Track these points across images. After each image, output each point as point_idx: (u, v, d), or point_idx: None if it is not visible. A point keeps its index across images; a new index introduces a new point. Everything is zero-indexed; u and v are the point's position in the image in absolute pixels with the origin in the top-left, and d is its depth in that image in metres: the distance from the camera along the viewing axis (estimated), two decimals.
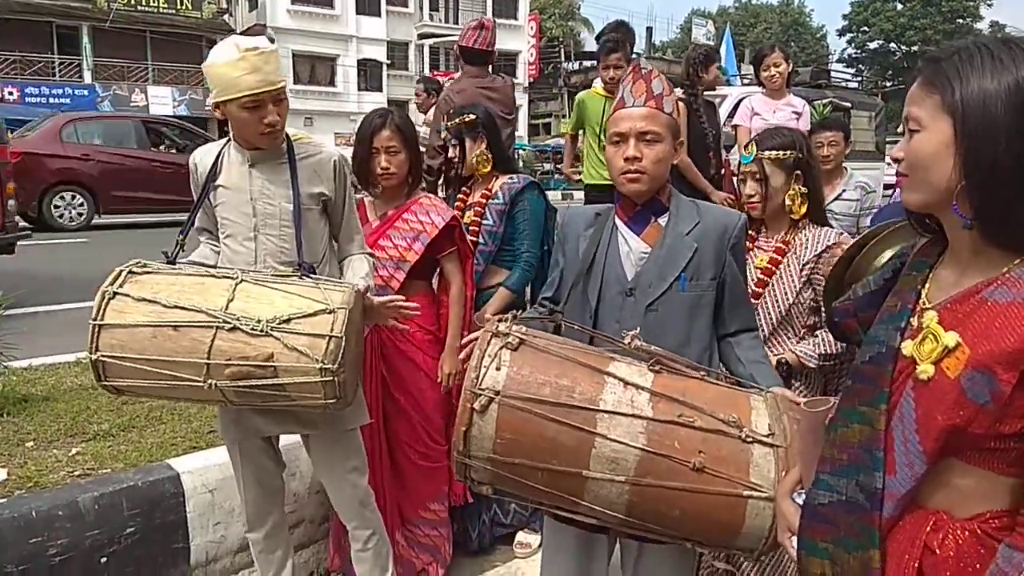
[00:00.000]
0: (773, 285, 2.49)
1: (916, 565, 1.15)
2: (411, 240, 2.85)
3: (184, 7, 30.20)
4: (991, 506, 1.14)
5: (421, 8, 37.54)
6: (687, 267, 1.92)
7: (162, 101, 28.84)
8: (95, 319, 1.98)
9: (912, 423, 1.15)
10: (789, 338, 2.51)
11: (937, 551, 1.14)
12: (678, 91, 6.21)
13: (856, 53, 59.55)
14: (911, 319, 1.23)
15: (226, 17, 32.41)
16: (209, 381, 1.99)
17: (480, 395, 1.57)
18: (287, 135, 2.35)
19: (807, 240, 2.50)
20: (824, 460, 1.31)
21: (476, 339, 1.73)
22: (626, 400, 1.58)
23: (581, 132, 5.08)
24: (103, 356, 1.99)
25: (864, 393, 1.25)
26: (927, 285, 1.25)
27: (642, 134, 1.89)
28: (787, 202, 2.50)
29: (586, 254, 1.99)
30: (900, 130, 1.23)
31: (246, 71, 2.13)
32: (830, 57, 57.15)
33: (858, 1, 57.32)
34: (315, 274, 2.28)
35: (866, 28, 56.94)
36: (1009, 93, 1.08)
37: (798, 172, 2.50)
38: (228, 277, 2.10)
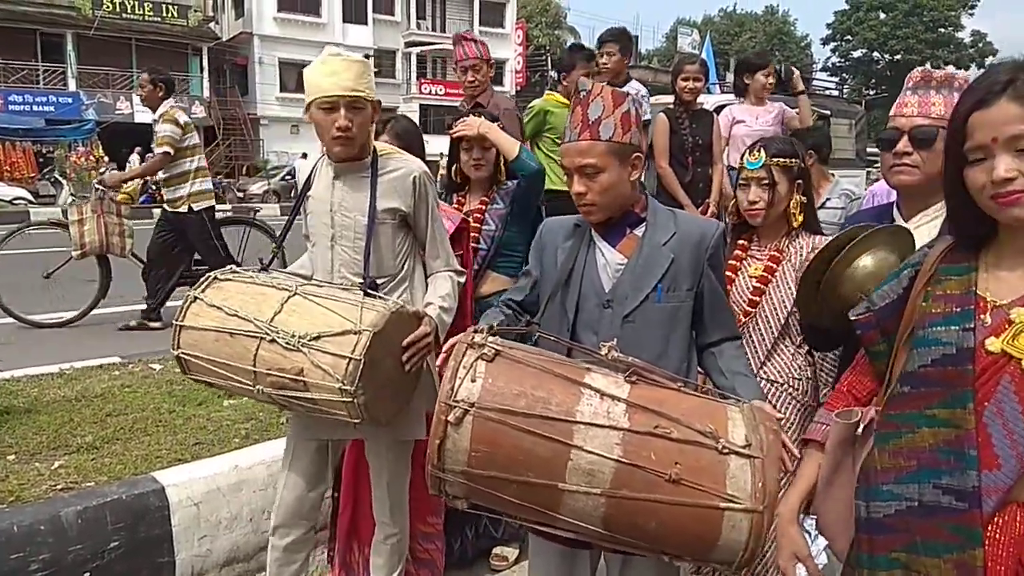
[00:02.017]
0: (769, 294, 2.46)
1: (1017, 559, 1.21)
2: None
3: (170, 15, 30.14)
4: None
5: (408, 16, 37.57)
6: (663, 278, 1.91)
7: (147, 109, 28.64)
8: (177, 320, 2.19)
9: (1018, 415, 1.20)
10: (787, 347, 2.47)
11: None
12: (665, 98, 6.26)
13: (840, 62, 60.03)
14: (979, 317, 1.28)
15: (212, 25, 32.36)
16: (257, 386, 2.11)
17: (454, 407, 1.55)
18: (374, 148, 2.41)
19: (802, 248, 2.49)
20: (881, 471, 1.34)
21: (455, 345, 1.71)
22: (602, 411, 1.56)
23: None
24: (183, 353, 2.20)
25: (932, 396, 1.29)
26: (980, 286, 1.31)
27: (582, 168, 1.88)
28: (791, 210, 2.49)
29: (564, 266, 1.99)
30: (977, 155, 1.27)
31: (325, 75, 2.23)
32: (814, 66, 57.66)
33: (842, 10, 57.85)
34: (378, 289, 2.32)
35: (849, 37, 57.43)
36: None
37: (799, 181, 2.50)
38: (286, 289, 2.19)
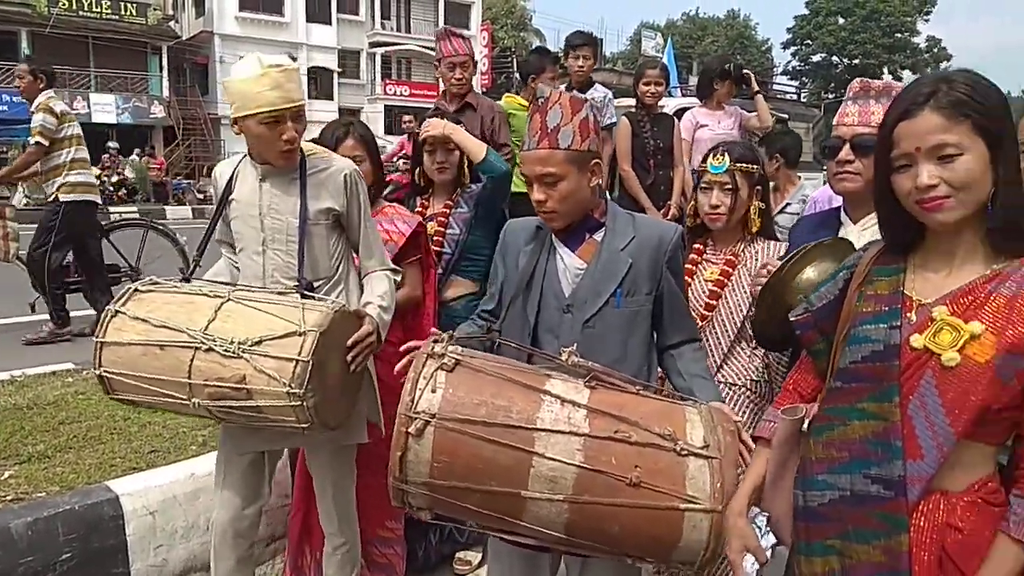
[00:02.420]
0: (725, 298, 2.49)
1: (940, 545, 1.29)
2: None
3: (128, 13, 29.55)
4: (978, 476, 1.31)
5: (373, 16, 37.34)
6: (623, 282, 1.93)
7: (105, 109, 28.13)
8: (98, 336, 2.08)
9: (938, 408, 1.28)
10: (744, 349, 2.50)
11: (960, 527, 1.29)
12: (626, 101, 6.31)
13: (800, 66, 60.98)
14: (906, 315, 1.36)
15: (172, 24, 31.82)
16: (193, 400, 2.03)
17: (415, 419, 1.55)
18: (301, 150, 2.35)
19: (757, 253, 2.52)
20: (816, 462, 1.42)
21: (416, 351, 1.71)
22: (563, 417, 1.57)
23: None
24: (105, 372, 2.08)
25: (863, 391, 1.37)
26: (908, 286, 1.39)
27: (541, 177, 1.88)
28: (751, 215, 2.51)
29: (524, 270, 2.00)
30: (903, 163, 1.35)
31: (267, 87, 2.13)
32: (775, 69, 58.52)
33: (801, 15, 58.78)
34: (314, 291, 2.27)
35: (809, 41, 58.36)
36: (1003, 106, 1.28)
37: (759, 187, 2.53)
38: (217, 296, 2.12)
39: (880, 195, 1.42)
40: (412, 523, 3.06)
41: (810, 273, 1.93)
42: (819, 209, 3.00)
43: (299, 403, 1.96)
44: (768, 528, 1.60)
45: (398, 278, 2.57)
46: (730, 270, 2.50)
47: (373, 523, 2.92)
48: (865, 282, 1.46)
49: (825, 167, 2.26)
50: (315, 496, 2.55)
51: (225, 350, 1.97)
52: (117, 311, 2.10)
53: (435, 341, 1.71)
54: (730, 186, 2.47)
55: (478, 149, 3.06)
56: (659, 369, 2.09)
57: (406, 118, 9.45)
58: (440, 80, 4.30)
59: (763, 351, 2.48)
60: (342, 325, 2.13)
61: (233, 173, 2.36)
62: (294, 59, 2.29)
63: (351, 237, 2.45)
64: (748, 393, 2.45)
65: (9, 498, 2.74)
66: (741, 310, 2.47)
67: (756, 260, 2.50)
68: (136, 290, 2.16)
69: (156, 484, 2.79)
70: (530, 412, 1.57)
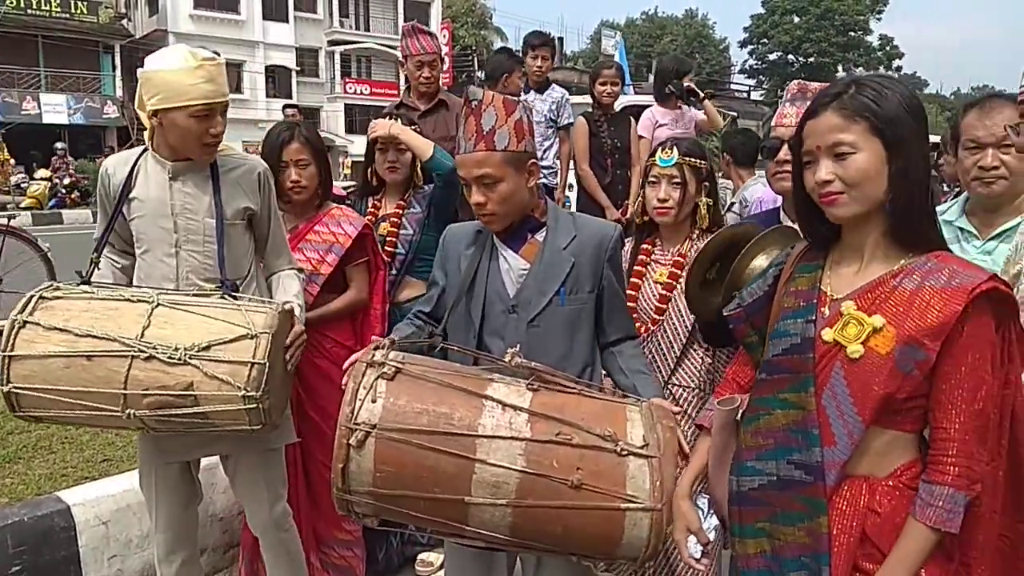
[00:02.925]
0: (676, 300, 2.46)
1: (859, 526, 1.37)
2: (324, 252, 2.81)
3: (79, 11, 28.88)
4: (900, 461, 1.39)
5: (331, 14, 36.99)
6: (566, 281, 1.96)
7: (56, 109, 27.47)
8: (4, 350, 1.91)
9: (847, 397, 1.36)
10: (697, 351, 2.48)
11: (879, 511, 1.36)
12: (582, 99, 6.34)
13: (757, 64, 61.87)
14: (820, 310, 1.43)
15: (124, 22, 31.17)
16: (128, 411, 1.94)
17: (356, 430, 1.54)
18: None
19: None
20: (746, 449, 1.51)
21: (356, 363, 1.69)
22: (504, 423, 1.58)
23: None
24: (15, 388, 1.93)
25: (783, 382, 1.45)
26: (825, 282, 1.46)
27: (479, 179, 1.88)
28: (701, 211, 2.50)
29: (467, 273, 2.01)
30: (807, 159, 1.42)
31: (202, 79, 2.09)
32: (732, 68, 59.30)
33: (758, 14, 59.63)
34: (238, 292, 2.24)
35: (765, 40, 59.22)
36: (908, 111, 1.34)
37: (707, 183, 2.54)
38: (144, 301, 2.03)
39: (797, 192, 1.49)
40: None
41: (761, 261, 1.97)
42: (764, 208, 3.06)
43: (255, 406, 1.95)
44: (711, 511, 1.70)
45: (303, 277, 2.57)
46: (678, 272, 2.48)
47: (331, 525, 2.91)
48: (790, 279, 1.54)
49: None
50: (247, 508, 2.49)
51: (169, 357, 1.92)
52: (26, 321, 1.95)
53: (376, 348, 1.70)
54: (678, 180, 2.45)
55: (425, 147, 3.06)
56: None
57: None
58: (406, 78, 4.20)
59: (704, 348, 2.49)
60: (283, 326, 2.12)
61: (133, 170, 2.24)
62: (217, 54, 2.20)
63: (259, 236, 2.41)
64: (703, 395, 2.43)
65: None
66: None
67: None
68: (42, 297, 2.01)
69: (109, 493, 2.75)
70: (471, 418, 1.58)
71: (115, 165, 2.28)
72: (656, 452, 1.56)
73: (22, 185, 18.19)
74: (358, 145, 34.83)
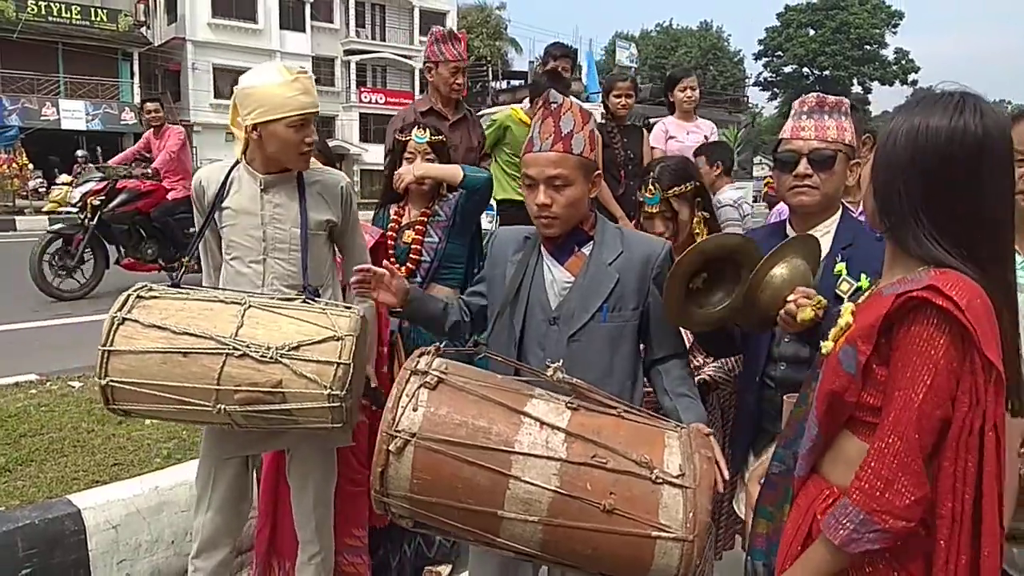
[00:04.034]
0: None
1: (807, 529, 1.38)
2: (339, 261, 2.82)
3: (99, 19, 29.21)
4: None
5: (347, 24, 37.27)
6: (609, 297, 1.94)
7: (75, 115, 27.77)
8: (104, 345, 2.00)
9: (815, 392, 1.40)
10: (695, 358, 2.53)
11: (820, 517, 1.35)
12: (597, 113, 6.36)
13: (771, 77, 61.81)
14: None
15: (144, 30, 31.51)
16: (219, 406, 2.02)
17: (396, 437, 1.57)
18: None
19: None
20: (780, 436, 1.59)
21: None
22: (541, 441, 1.59)
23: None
24: (112, 381, 2.02)
25: (811, 379, 1.50)
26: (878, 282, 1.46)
27: (551, 179, 1.88)
28: (695, 230, 2.54)
29: (512, 281, 2.01)
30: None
31: (298, 91, 2.24)
32: (747, 80, 59.25)
33: (773, 27, 59.61)
34: (319, 298, 2.33)
35: (780, 53, 59.21)
36: (906, 130, 1.31)
37: (698, 199, 2.56)
38: (236, 303, 2.12)
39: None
40: (389, 534, 3.05)
41: (781, 270, 1.96)
42: (783, 218, 3.05)
43: (338, 404, 2.04)
44: None
45: None
46: None
47: (341, 532, 2.91)
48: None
49: (768, 178, 2.28)
50: (286, 505, 2.53)
51: (261, 356, 2.00)
52: (125, 318, 2.04)
53: (421, 355, 1.73)
54: (668, 213, 2.50)
55: (455, 174, 3.05)
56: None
57: (149, 106, 8.59)
58: (427, 84, 4.10)
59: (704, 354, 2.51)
60: (364, 330, 2.21)
61: (227, 180, 2.36)
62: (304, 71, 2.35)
63: (341, 245, 2.53)
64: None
65: None
66: None
67: None
68: (139, 296, 2.10)
69: (119, 498, 2.75)
70: (509, 434, 1.59)
71: (208, 176, 2.40)
72: (692, 483, 1.56)
73: (39, 190, 18.37)
74: (372, 154, 35.04)
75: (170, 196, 8.31)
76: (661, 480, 1.56)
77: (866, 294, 1.47)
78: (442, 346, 1.81)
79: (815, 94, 2.08)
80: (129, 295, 2.10)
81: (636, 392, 2.02)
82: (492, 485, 1.56)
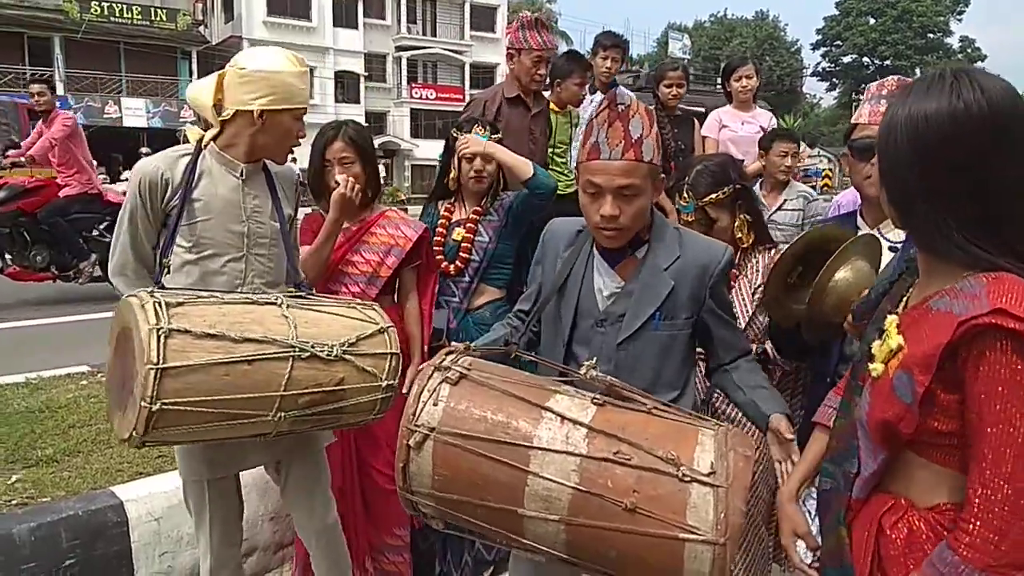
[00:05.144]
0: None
1: (873, 542, 1.26)
2: (383, 254, 2.76)
3: (159, 18, 30.03)
4: (948, 499, 1.20)
5: (399, 20, 37.55)
6: (662, 305, 1.82)
7: (136, 113, 28.60)
8: (157, 363, 1.67)
9: (865, 416, 1.27)
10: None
11: (887, 531, 1.24)
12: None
13: (830, 67, 60.36)
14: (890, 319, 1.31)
15: (201, 29, 32.25)
16: (279, 414, 1.87)
17: (415, 431, 1.55)
18: None
19: (756, 263, 2.44)
20: (828, 450, 1.46)
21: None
22: (561, 436, 1.52)
23: None
24: (165, 404, 1.69)
25: (852, 388, 1.38)
26: (911, 291, 1.34)
27: (620, 189, 1.74)
28: (736, 235, 2.43)
29: (559, 276, 1.91)
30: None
31: (306, 84, 2.16)
32: (804, 71, 57.95)
33: (831, 16, 58.16)
34: (314, 293, 2.27)
35: (839, 42, 57.77)
36: (903, 125, 1.19)
37: (740, 201, 2.44)
38: (270, 303, 1.99)
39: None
40: (449, 539, 2.98)
41: (845, 274, 1.85)
42: (842, 212, 2.90)
43: (391, 394, 2.04)
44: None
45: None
46: (731, 282, 2.42)
47: (382, 531, 2.87)
48: (901, 279, 1.42)
49: (827, 171, 2.17)
50: (297, 512, 2.43)
51: (328, 354, 1.92)
52: (171, 329, 1.72)
53: (448, 352, 1.69)
54: (704, 219, 2.41)
55: (524, 167, 2.91)
56: (704, 393, 2.01)
57: (34, 88, 7.21)
58: (515, 72, 3.84)
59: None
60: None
61: (194, 171, 2.12)
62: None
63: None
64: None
65: (15, 503, 2.72)
66: (741, 322, 2.40)
67: (757, 270, 2.44)
68: (166, 303, 1.79)
69: (161, 490, 2.75)
70: (528, 429, 1.53)
71: (167, 165, 2.11)
72: (724, 481, 1.44)
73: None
74: (423, 149, 35.26)
75: (63, 193, 7.27)
76: (689, 478, 1.45)
77: (907, 305, 1.32)
78: (472, 345, 1.77)
79: (895, 76, 1.93)
80: (154, 303, 1.77)
81: (685, 401, 1.89)
82: (511, 481, 1.51)
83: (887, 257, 1.89)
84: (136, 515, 2.66)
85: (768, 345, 2.41)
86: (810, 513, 1.58)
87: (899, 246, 1.88)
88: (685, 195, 2.42)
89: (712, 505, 1.42)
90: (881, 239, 1.94)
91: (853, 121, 2.00)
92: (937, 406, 1.15)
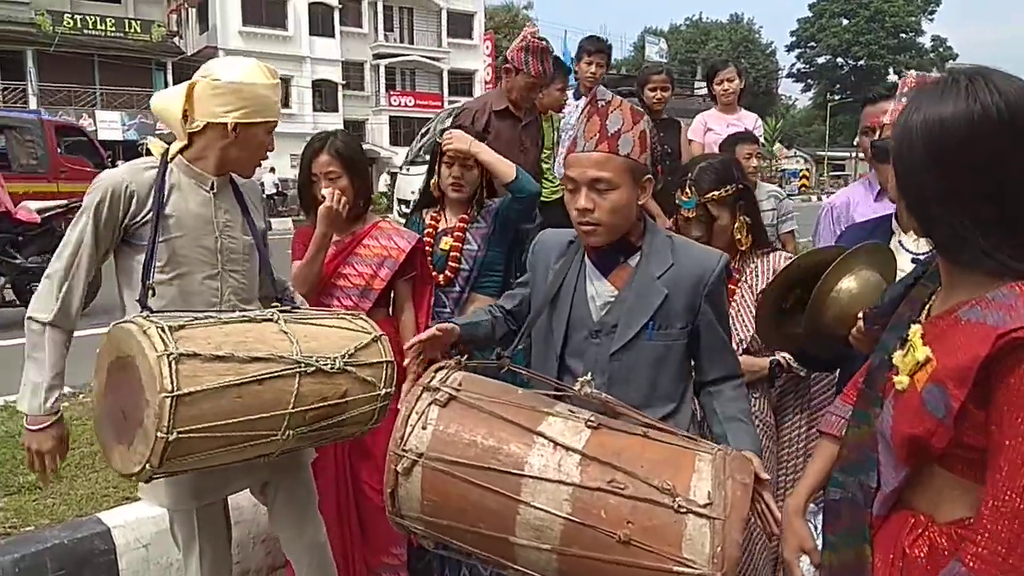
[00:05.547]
0: (731, 319, 2.33)
1: (900, 564, 1.23)
2: (376, 267, 2.71)
3: (133, 30, 29.79)
4: (967, 512, 1.18)
5: (375, 28, 37.49)
6: (656, 314, 1.78)
7: (111, 126, 28.29)
8: (172, 391, 1.61)
9: (888, 429, 1.23)
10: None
11: (908, 550, 1.22)
12: None
13: (805, 68, 60.95)
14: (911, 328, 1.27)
15: (176, 40, 32.01)
16: (287, 432, 1.84)
17: (403, 456, 1.51)
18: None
19: (757, 268, 2.42)
20: (839, 459, 1.42)
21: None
22: (553, 464, 1.47)
23: None
24: (181, 433, 1.62)
25: (869, 397, 1.35)
26: (933, 298, 1.30)
27: (593, 182, 1.72)
28: (736, 236, 2.41)
29: (551, 288, 1.87)
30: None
31: (279, 96, 2.11)
32: (779, 72, 58.48)
33: (805, 17, 58.76)
34: (298, 307, 2.21)
35: (813, 44, 58.37)
36: (919, 131, 1.15)
37: (741, 202, 2.41)
38: (267, 319, 1.94)
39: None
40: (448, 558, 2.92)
41: (849, 283, 1.79)
42: (835, 215, 2.87)
43: (386, 403, 2.02)
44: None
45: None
46: (733, 287, 2.39)
47: (379, 551, 2.82)
48: (918, 284, 1.39)
49: (804, 171, 2.12)
50: (286, 533, 2.37)
51: (331, 368, 1.89)
52: (180, 354, 1.66)
53: (439, 369, 1.64)
54: (704, 217, 2.38)
55: (507, 169, 2.88)
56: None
57: None
58: (508, 87, 3.77)
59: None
60: None
61: (163, 185, 2.01)
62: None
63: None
64: (756, 413, 2.34)
65: None
66: (747, 330, 2.37)
67: (757, 275, 2.41)
68: (165, 327, 1.71)
69: (150, 516, 2.67)
70: (519, 456, 1.48)
71: (132, 179, 2.00)
72: (721, 513, 1.39)
73: None
74: (403, 157, 35.13)
75: None
76: (685, 509, 1.40)
77: (929, 314, 1.28)
78: (463, 360, 1.72)
79: (917, 72, 1.90)
80: (148, 328, 1.69)
81: (681, 413, 1.85)
82: (502, 510, 1.46)
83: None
84: (124, 542, 2.58)
85: (780, 355, 2.38)
86: (816, 528, 1.54)
87: (922, 258, 1.83)
88: (688, 190, 2.39)
89: (708, 538, 1.38)
90: (900, 249, 1.89)
91: (874, 123, 1.95)
92: (969, 420, 1.12)
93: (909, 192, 1.21)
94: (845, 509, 1.35)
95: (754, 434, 1.82)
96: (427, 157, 4.32)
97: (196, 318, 1.85)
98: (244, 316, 1.95)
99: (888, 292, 1.49)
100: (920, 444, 1.17)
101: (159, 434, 1.60)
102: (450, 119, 3.92)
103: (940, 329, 1.20)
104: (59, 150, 12.28)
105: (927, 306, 1.30)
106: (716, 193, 2.36)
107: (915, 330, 1.23)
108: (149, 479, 1.74)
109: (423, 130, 13.13)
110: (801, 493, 1.55)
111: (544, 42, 3.69)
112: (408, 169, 12.10)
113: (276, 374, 1.80)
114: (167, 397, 1.60)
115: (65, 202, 7.80)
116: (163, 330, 1.69)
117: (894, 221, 2.02)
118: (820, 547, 1.46)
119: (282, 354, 1.82)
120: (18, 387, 1.96)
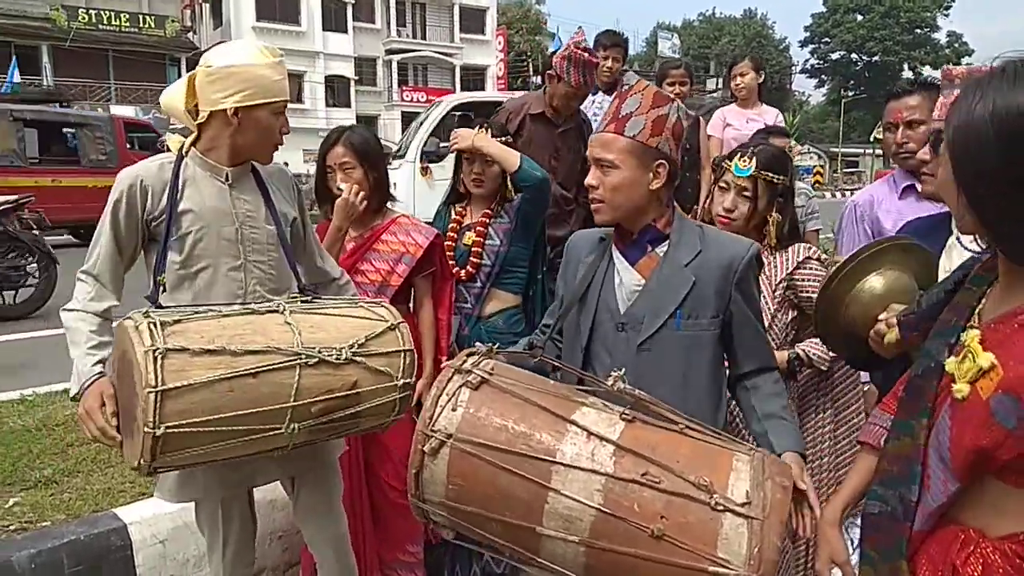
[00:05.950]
0: None
1: None
2: (393, 263, 2.69)
3: (147, 25, 29.91)
4: (1021, 527, 1.13)
5: (388, 24, 37.51)
6: (683, 303, 1.74)
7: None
8: (156, 385, 1.60)
9: (946, 441, 1.16)
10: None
11: (961, 569, 1.15)
12: None
13: (818, 64, 60.55)
14: (961, 335, 1.21)
15: (190, 35, 32.13)
16: (292, 426, 1.80)
17: (431, 437, 1.46)
18: None
19: (776, 260, 2.38)
20: (878, 471, 1.35)
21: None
22: (586, 453, 1.42)
23: None
24: (169, 428, 1.62)
25: (913, 407, 1.27)
26: (983, 302, 1.24)
27: (598, 160, 1.77)
28: (769, 228, 2.37)
29: (581, 282, 1.85)
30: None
31: (282, 75, 2.02)
32: (793, 68, 58.11)
33: (819, 13, 58.36)
34: (319, 295, 2.15)
35: (827, 39, 57.95)
36: (989, 122, 1.08)
37: (780, 199, 2.38)
38: (272, 311, 1.90)
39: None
40: (458, 550, 2.90)
41: (875, 282, 1.73)
42: (860, 213, 2.80)
43: (408, 393, 1.97)
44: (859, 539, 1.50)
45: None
46: None
47: (394, 547, 2.80)
48: (961, 288, 1.31)
49: (818, 168, 2.06)
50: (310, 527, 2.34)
51: (336, 358, 1.83)
52: (168, 349, 1.65)
53: (470, 354, 1.60)
54: (749, 192, 2.35)
55: (511, 158, 2.87)
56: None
57: None
58: (550, 92, 3.75)
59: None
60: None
61: (178, 180, 2.00)
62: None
63: (299, 239, 2.25)
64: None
65: (13, 528, 2.62)
66: (764, 320, 2.31)
67: (775, 267, 2.37)
68: (162, 323, 1.71)
69: (166, 511, 2.65)
70: (551, 443, 1.44)
71: (145, 174, 2.00)
72: (759, 513, 1.34)
73: None
74: None
75: None
76: (722, 507, 1.35)
77: (981, 318, 1.22)
78: (495, 347, 1.67)
79: (961, 67, 1.84)
80: (149, 322, 1.69)
81: (720, 412, 1.80)
82: (530, 497, 1.42)
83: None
84: (140, 538, 2.56)
85: (800, 348, 2.33)
86: (852, 542, 1.49)
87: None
88: (746, 158, 2.35)
89: (746, 538, 1.33)
90: (957, 246, 1.81)
91: (897, 118, 1.89)
92: None
93: (973, 185, 1.13)
94: (884, 523, 1.30)
95: (797, 433, 1.77)
96: (409, 153, 4.30)
97: (197, 312, 1.83)
98: (247, 308, 1.91)
99: (926, 298, 1.43)
100: (984, 456, 1.11)
101: (146, 429, 1.60)
102: (430, 119, 3.88)
103: (1003, 334, 1.14)
104: (128, 146, 12.62)
105: (976, 310, 1.24)
106: (770, 175, 2.35)
107: (973, 335, 1.17)
108: (150, 473, 1.72)
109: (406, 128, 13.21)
110: (837, 504, 1.50)
111: (588, 53, 3.64)
112: (391, 163, 12.18)
113: (273, 366, 1.75)
114: (151, 392, 1.60)
115: (15, 197, 7.45)
116: (155, 325, 1.68)
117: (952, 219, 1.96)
118: (857, 561, 1.39)
119: (280, 346, 1.78)
120: (13, 385, 1.93)
